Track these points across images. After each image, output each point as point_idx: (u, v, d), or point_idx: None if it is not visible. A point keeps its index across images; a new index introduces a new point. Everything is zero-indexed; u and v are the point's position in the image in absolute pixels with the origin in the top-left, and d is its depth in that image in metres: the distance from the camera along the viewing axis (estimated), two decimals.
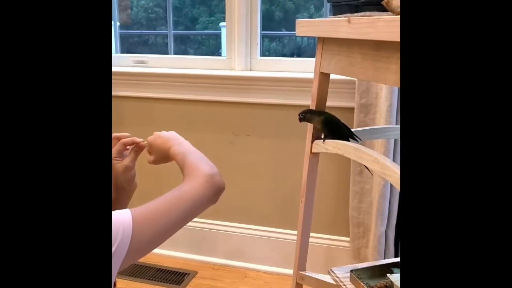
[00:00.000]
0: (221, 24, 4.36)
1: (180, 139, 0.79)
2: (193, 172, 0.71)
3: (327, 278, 1.17)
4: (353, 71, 0.94)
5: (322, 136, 1.06)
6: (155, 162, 0.80)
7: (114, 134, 0.78)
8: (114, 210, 0.73)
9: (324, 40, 1.04)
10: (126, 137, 0.79)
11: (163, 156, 0.78)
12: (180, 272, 1.70)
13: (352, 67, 0.94)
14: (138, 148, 0.79)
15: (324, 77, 1.07)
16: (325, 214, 1.64)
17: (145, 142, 0.78)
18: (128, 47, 2.33)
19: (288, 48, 4.34)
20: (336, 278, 1.14)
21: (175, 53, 1.88)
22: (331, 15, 1.05)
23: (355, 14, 0.91)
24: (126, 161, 0.77)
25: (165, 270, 1.71)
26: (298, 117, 1.04)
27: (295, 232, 1.65)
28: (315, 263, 1.58)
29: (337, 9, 1.01)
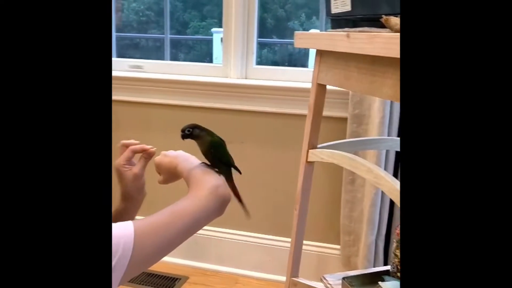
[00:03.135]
0: (213, 29, 4.37)
1: (187, 155, 0.78)
2: (198, 184, 0.70)
3: (319, 285, 1.19)
4: (349, 84, 0.96)
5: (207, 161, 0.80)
6: (165, 181, 0.79)
7: (122, 142, 0.76)
8: (122, 219, 0.71)
9: (322, 53, 1.07)
10: (135, 144, 0.77)
11: (171, 174, 0.77)
12: (171, 277, 1.71)
13: (348, 80, 0.96)
14: (147, 155, 0.77)
15: (321, 88, 1.09)
16: (316, 222, 1.66)
17: (155, 148, 0.77)
18: (119, 50, 2.34)
19: (279, 55, 4.38)
20: (328, 285, 1.16)
21: (165, 58, 1.90)
22: (329, 28, 1.08)
23: (353, 29, 0.94)
24: (136, 169, 0.75)
25: (156, 274, 1.72)
26: (181, 133, 0.78)
27: (287, 239, 1.68)
28: (306, 270, 1.60)
29: (336, 23, 1.04)
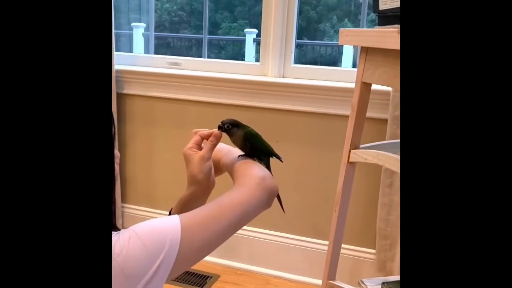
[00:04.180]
0: (246, 30, 4.40)
1: (229, 148, 0.77)
2: (244, 176, 0.68)
3: None
4: (399, 82, 0.93)
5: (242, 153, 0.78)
6: None
7: (193, 130, 0.75)
8: (191, 205, 0.70)
9: (367, 50, 1.04)
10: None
11: (215, 168, 0.76)
12: (202, 275, 1.70)
13: (398, 78, 0.93)
14: (214, 138, 0.73)
15: (365, 87, 1.07)
16: (351, 225, 1.62)
17: (221, 132, 0.75)
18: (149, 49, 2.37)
19: (309, 56, 4.34)
20: None
21: (202, 56, 1.90)
22: (377, 25, 1.05)
23: None
24: (202, 151, 0.73)
25: (187, 272, 1.72)
26: (220, 123, 0.76)
27: (321, 241, 1.65)
28: (339, 273, 1.57)
29: (384, 20, 1.01)
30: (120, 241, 0.54)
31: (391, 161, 0.96)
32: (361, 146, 1.12)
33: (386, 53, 0.96)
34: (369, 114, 1.47)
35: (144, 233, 0.56)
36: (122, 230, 0.57)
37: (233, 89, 1.68)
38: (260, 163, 0.74)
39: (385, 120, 1.49)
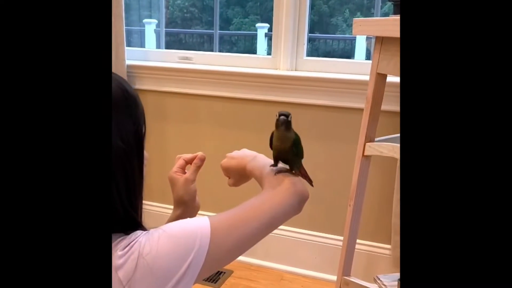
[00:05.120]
0: (258, 25, 4.37)
1: (253, 154, 0.76)
2: (274, 181, 0.68)
3: (372, 286, 1.14)
4: None
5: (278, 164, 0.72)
6: (235, 184, 0.78)
7: (178, 156, 0.78)
8: None
9: (383, 40, 1.01)
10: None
11: (241, 176, 0.76)
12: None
13: None
14: (198, 161, 0.76)
15: (381, 78, 1.04)
16: (366, 220, 1.60)
17: (204, 154, 0.77)
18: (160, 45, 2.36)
19: (321, 50, 4.31)
20: (383, 286, 1.11)
21: (214, 51, 1.89)
22: (392, 15, 1.02)
23: None
24: (187, 174, 0.76)
25: None
26: (280, 115, 0.69)
27: (336, 237, 1.63)
28: (354, 269, 1.55)
29: (399, 8, 0.98)
30: (149, 240, 0.55)
31: None
32: (376, 139, 1.09)
33: None
34: (384, 107, 1.44)
35: (173, 233, 0.56)
36: (151, 230, 0.58)
37: (245, 83, 1.66)
38: (293, 172, 0.72)
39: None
